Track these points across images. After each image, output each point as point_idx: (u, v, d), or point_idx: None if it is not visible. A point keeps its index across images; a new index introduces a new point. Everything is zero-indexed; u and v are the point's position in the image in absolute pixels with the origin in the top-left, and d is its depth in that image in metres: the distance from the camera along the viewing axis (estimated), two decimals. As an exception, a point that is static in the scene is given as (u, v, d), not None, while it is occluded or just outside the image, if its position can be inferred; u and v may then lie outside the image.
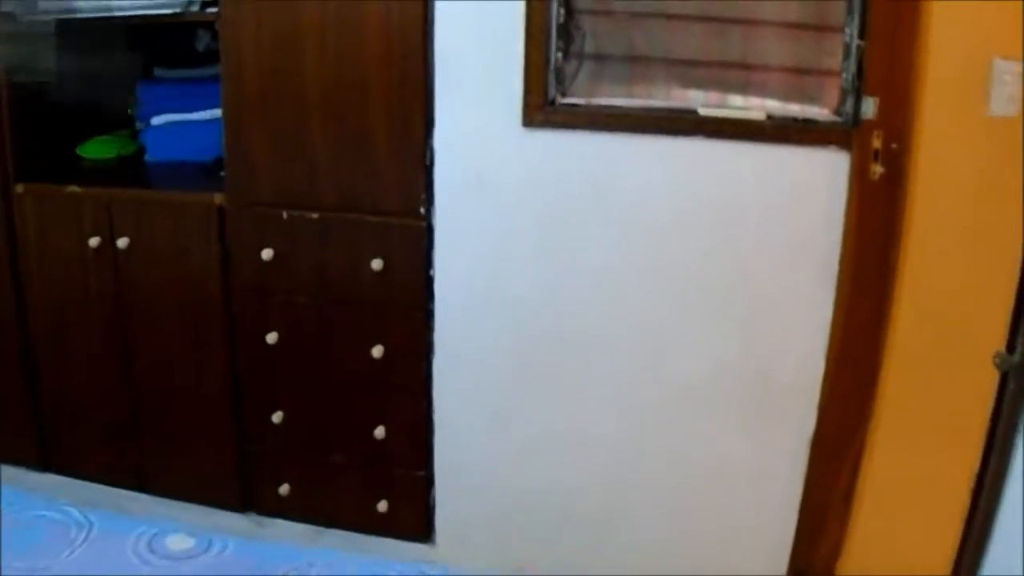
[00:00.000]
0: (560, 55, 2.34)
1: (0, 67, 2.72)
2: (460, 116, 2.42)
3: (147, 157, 3.05)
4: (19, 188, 2.84)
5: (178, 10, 2.56)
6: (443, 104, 2.42)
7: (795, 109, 2.30)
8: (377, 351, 2.60)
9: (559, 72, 2.35)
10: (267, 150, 2.58)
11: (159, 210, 2.73)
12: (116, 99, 3.14)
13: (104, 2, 2.59)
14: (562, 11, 2.32)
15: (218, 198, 2.66)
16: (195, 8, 2.56)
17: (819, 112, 2.29)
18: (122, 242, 2.75)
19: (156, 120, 3.02)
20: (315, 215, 2.57)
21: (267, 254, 2.62)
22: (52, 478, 3.10)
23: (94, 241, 2.77)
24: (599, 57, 2.38)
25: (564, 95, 2.37)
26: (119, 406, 2.93)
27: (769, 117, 2.29)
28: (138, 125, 3.11)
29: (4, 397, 3.05)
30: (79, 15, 2.66)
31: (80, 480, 3.07)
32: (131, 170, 3.00)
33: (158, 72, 3.09)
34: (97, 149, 3.10)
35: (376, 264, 2.54)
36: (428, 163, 2.45)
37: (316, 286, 2.64)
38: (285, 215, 2.60)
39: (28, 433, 3.07)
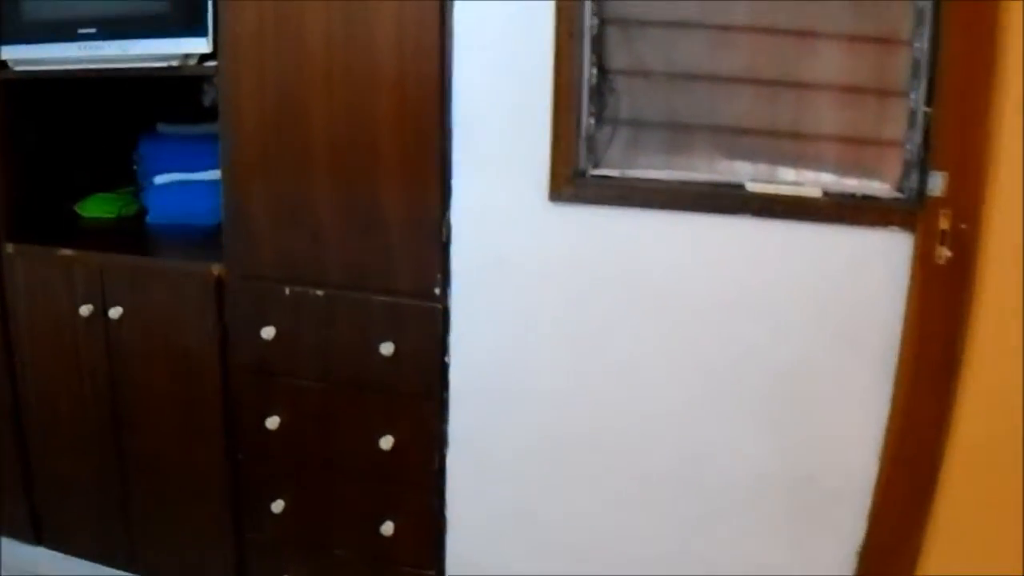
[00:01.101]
0: (592, 121, 2.15)
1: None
2: (480, 187, 2.23)
3: (149, 218, 2.91)
4: (9, 248, 2.73)
5: (174, 64, 2.42)
6: (462, 172, 2.24)
7: (852, 184, 2.07)
8: (386, 442, 2.41)
9: (591, 140, 2.17)
10: (269, 217, 2.42)
11: (154, 279, 2.58)
12: (120, 154, 3.02)
13: (96, 53, 2.45)
14: (595, 71, 2.12)
15: (217, 269, 2.50)
16: (192, 62, 2.41)
17: (879, 188, 2.07)
18: (114, 312, 2.61)
19: (159, 179, 2.89)
20: (320, 292, 2.41)
21: (268, 332, 2.45)
22: (45, 552, 3.00)
23: (85, 309, 2.64)
24: (635, 123, 2.17)
25: (596, 166, 2.18)
26: (110, 483, 2.80)
27: (824, 193, 2.07)
28: (140, 183, 3.00)
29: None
30: (70, 67, 2.53)
31: (72, 556, 2.96)
32: (130, 232, 2.87)
33: (161, 128, 2.95)
34: (97, 207, 2.98)
35: (386, 348, 2.37)
36: (444, 239, 2.28)
37: (321, 369, 2.46)
38: (288, 291, 2.43)
39: (19, 503, 2.96)
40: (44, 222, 2.84)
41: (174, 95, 3.05)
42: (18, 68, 2.61)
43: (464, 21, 2.16)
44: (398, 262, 2.33)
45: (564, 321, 2.24)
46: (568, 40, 2.10)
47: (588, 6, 2.10)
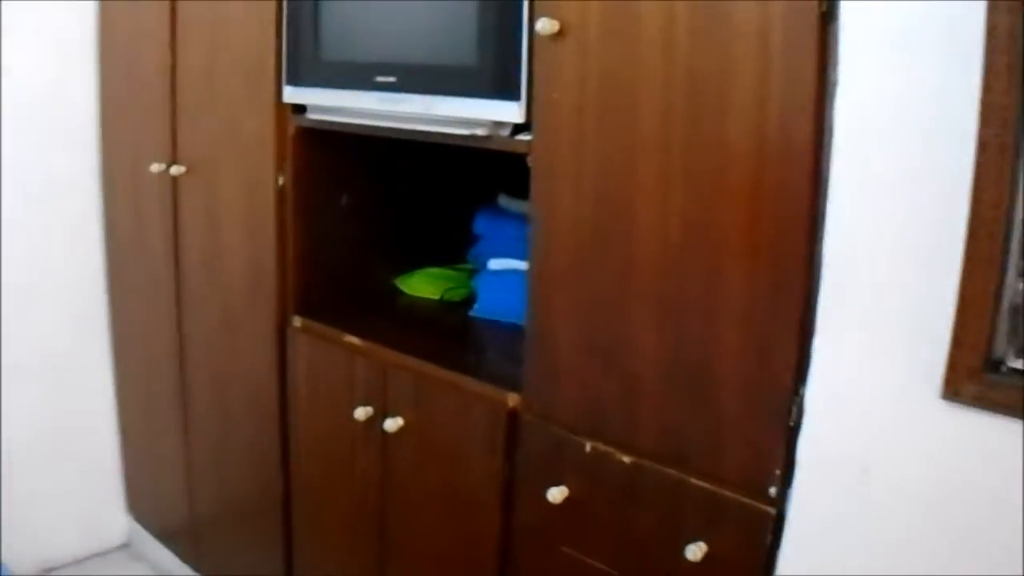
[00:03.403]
0: (1022, 284, 1.47)
1: (289, 168, 2.43)
2: (849, 359, 1.59)
3: (474, 309, 2.51)
4: (296, 322, 2.49)
5: (480, 132, 2.00)
6: (827, 333, 1.62)
7: None
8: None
9: (1016, 313, 1.48)
10: (575, 345, 1.89)
11: (442, 393, 2.17)
12: (461, 223, 2.66)
13: (394, 107, 2.08)
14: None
15: (513, 400, 2.03)
16: (504, 133, 1.97)
17: None
18: (391, 424, 2.24)
19: (493, 264, 2.47)
20: (627, 459, 1.85)
21: (557, 494, 1.94)
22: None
23: (362, 412, 2.31)
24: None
25: (1019, 355, 1.49)
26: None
27: None
28: (472, 263, 2.63)
29: (265, 556, 2.83)
30: (364, 121, 2.21)
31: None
32: (443, 324, 2.52)
33: (503, 201, 2.54)
34: (421, 285, 2.64)
35: (694, 550, 1.76)
36: (792, 422, 1.67)
37: (613, 553, 1.88)
38: (588, 447, 1.90)
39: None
40: (355, 295, 2.59)
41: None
42: (312, 116, 2.32)
43: (849, 112, 1.55)
44: (727, 440, 1.74)
45: (945, 562, 1.56)
46: (999, 154, 1.42)
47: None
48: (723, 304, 1.71)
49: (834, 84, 1.51)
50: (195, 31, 2.70)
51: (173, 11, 2.75)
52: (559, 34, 1.80)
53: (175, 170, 2.80)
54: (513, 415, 2.05)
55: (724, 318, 1.71)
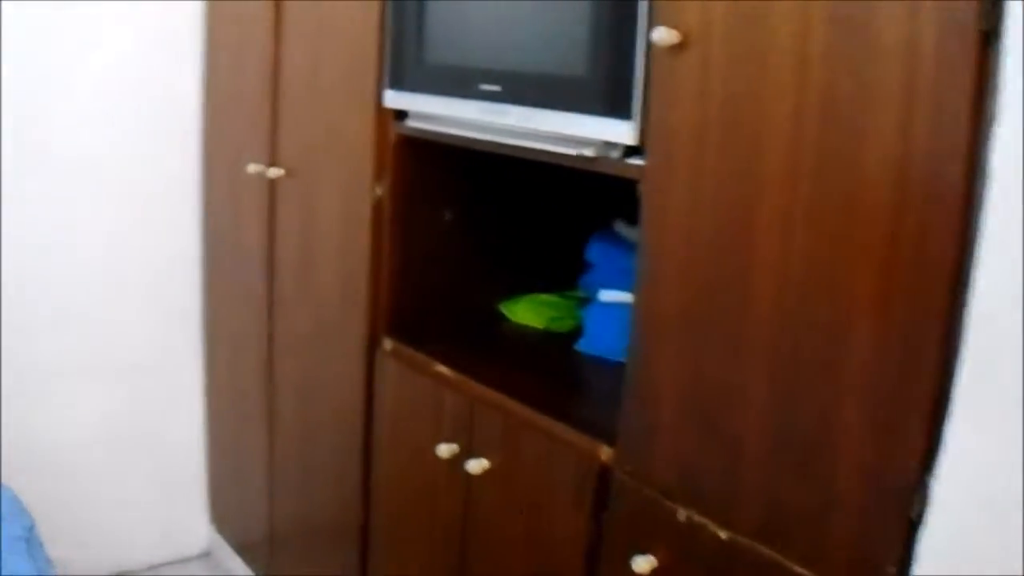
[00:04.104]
0: None
1: (388, 178, 2.28)
2: (987, 449, 1.33)
3: (581, 343, 2.32)
4: (387, 344, 2.35)
5: (587, 154, 1.80)
6: (963, 417, 1.39)
7: None
8: None
9: None
10: (676, 402, 1.68)
11: (530, 436, 1.99)
12: (571, 251, 2.47)
13: (497, 119, 1.90)
14: None
15: (605, 453, 1.83)
16: (615, 155, 1.77)
17: None
18: (475, 465, 2.06)
19: (604, 295, 2.27)
20: (723, 534, 1.61)
21: (643, 563, 1.74)
22: None
23: (446, 449, 2.13)
24: None
25: None
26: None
27: None
28: (581, 292, 2.43)
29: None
30: (463, 132, 2.04)
31: None
32: (545, 357, 2.33)
33: (619, 228, 2.33)
34: (526, 312, 2.46)
35: None
36: (914, 514, 1.43)
37: None
38: (682, 516, 1.68)
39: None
40: (453, 319, 2.43)
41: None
42: (413, 123, 2.17)
43: (1008, 152, 1.31)
44: (837, 526, 1.50)
45: None
46: None
47: None
48: (845, 366, 1.48)
49: (992, 118, 1.27)
50: (299, 31, 2.61)
51: (278, 10, 2.66)
52: (679, 46, 1.59)
53: (273, 172, 2.70)
54: (604, 471, 1.86)
55: (845, 383, 1.49)
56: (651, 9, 1.63)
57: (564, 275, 2.50)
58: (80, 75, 2.96)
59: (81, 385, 3.14)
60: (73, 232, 3.05)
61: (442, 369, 2.19)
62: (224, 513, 3.44)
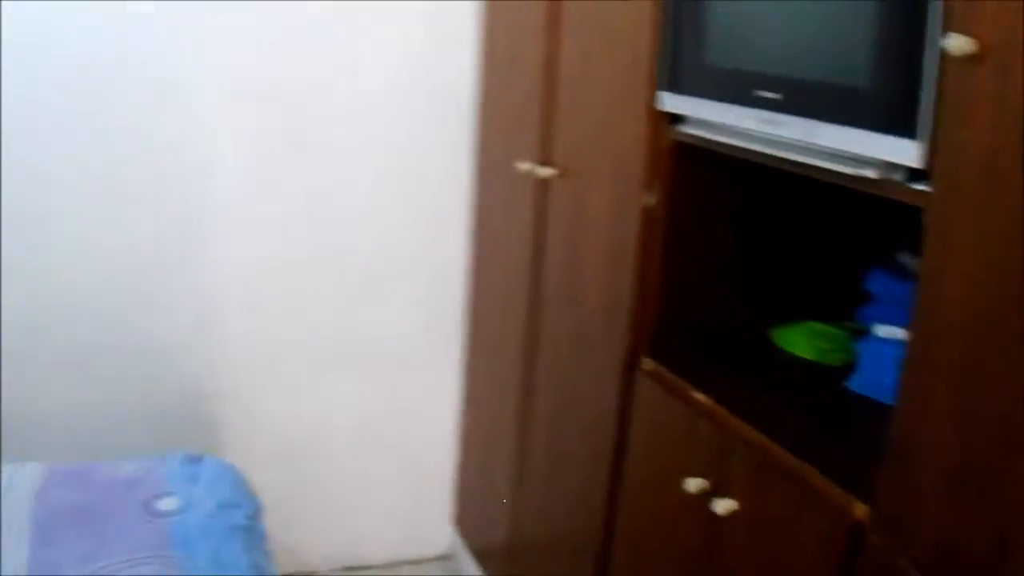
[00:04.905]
0: None
1: (660, 186, 2.18)
2: None
3: (852, 381, 2.10)
4: (648, 364, 2.22)
5: (868, 174, 1.60)
6: None
7: None
8: None
9: None
10: (946, 462, 1.47)
11: (780, 481, 1.81)
12: (849, 279, 2.26)
13: (775, 130, 1.71)
14: None
15: (859, 510, 1.64)
16: (897, 177, 1.57)
17: None
18: (721, 506, 1.90)
19: (881, 330, 2.05)
20: None
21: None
22: None
23: (693, 484, 1.98)
24: None
25: None
26: None
27: None
28: (859, 325, 2.22)
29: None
30: (736, 142, 1.88)
31: None
32: (811, 393, 2.12)
33: (902, 259, 2.12)
34: (798, 341, 2.27)
35: None
36: None
37: None
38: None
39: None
40: (718, 343, 2.29)
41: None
42: (688, 130, 2.02)
43: None
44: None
45: None
46: None
47: None
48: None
49: None
50: (575, 28, 2.53)
51: (554, 8, 2.60)
52: (976, 57, 1.38)
53: (544, 171, 2.62)
54: (856, 529, 1.66)
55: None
56: (945, 12, 1.42)
57: (838, 305, 2.29)
58: (359, 70, 3.02)
59: (340, 376, 3.19)
60: (346, 223, 3.12)
61: (699, 396, 2.05)
62: (467, 517, 3.42)
